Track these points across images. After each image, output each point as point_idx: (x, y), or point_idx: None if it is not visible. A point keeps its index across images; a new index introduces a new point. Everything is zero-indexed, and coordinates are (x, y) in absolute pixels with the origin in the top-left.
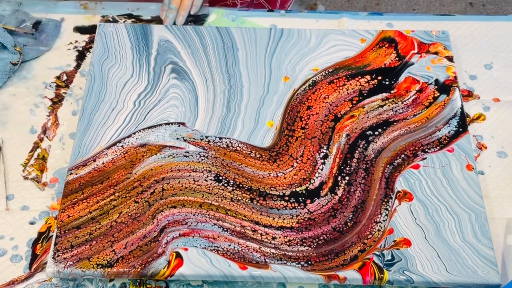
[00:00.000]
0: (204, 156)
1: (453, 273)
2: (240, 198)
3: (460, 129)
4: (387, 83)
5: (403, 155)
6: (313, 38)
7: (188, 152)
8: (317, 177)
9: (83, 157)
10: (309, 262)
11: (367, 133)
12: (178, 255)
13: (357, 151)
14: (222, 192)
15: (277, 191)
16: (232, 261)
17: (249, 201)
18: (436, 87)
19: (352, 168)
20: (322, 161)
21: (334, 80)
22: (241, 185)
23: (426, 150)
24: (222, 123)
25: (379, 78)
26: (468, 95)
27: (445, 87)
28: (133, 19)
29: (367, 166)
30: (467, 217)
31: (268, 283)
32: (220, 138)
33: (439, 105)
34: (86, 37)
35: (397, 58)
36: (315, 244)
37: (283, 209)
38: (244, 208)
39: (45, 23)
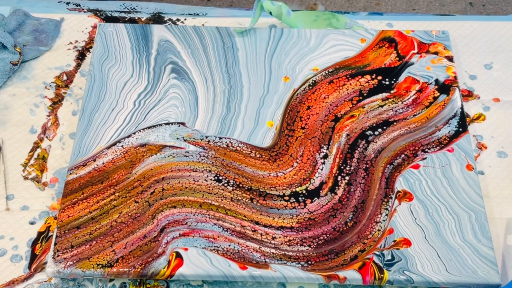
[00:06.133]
0: (204, 156)
1: (453, 273)
2: (240, 198)
3: (460, 129)
4: (387, 83)
5: (403, 155)
6: (313, 38)
7: (188, 152)
8: (317, 177)
9: (83, 157)
10: (309, 262)
11: (367, 133)
12: (178, 255)
13: (357, 151)
14: (222, 192)
15: (277, 191)
16: (232, 261)
17: (249, 201)
18: (436, 87)
19: (352, 168)
20: (322, 161)
21: (334, 80)
22: (241, 185)
23: (426, 150)
24: (222, 123)
25: (379, 78)
26: (468, 95)
27: (445, 87)
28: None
29: (367, 166)
30: (467, 217)
31: (268, 283)
32: (220, 138)
33: (439, 105)
34: (86, 37)
35: (397, 58)
36: (315, 244)
37: (283, 209)
38: (244, 208)
39: (45, 23)
